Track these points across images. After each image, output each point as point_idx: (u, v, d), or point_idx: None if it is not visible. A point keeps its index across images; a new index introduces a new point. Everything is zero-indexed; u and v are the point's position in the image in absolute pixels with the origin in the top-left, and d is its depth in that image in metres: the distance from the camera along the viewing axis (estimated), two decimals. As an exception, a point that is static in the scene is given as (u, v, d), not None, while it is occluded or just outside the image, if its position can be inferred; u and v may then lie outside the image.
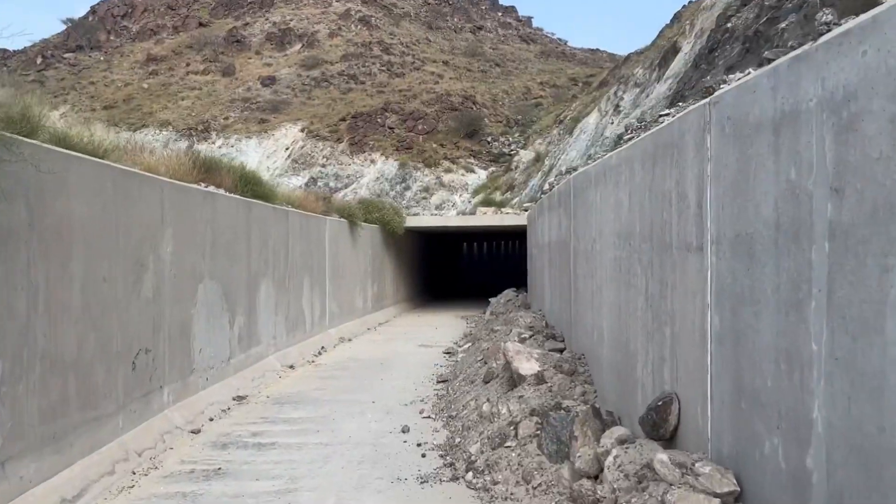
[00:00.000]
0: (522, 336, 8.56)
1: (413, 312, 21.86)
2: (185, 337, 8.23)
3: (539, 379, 6.74)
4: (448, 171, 51.17)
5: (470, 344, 12.84)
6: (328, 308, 14.84)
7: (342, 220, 16.02)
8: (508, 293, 18.59)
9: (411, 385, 10.24)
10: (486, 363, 9.31)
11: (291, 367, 11.66)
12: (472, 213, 23.26)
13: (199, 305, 8.60)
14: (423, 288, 25.63)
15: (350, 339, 15.23)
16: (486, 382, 8.28)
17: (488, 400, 7.57)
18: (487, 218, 19.94)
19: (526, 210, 19.71)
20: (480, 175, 51.26)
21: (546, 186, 11.69)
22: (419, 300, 24.33)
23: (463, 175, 51.33)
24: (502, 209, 22.03)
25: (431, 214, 26.59)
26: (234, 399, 9.21)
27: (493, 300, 19.43)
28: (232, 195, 9.95)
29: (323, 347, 13.63)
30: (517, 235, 32.77)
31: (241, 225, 10.11)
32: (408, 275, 22.97)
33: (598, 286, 6.39)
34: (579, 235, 7.18)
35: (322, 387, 10.23)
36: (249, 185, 11.05)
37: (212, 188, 9.56)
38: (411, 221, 20.16)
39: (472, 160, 52.55)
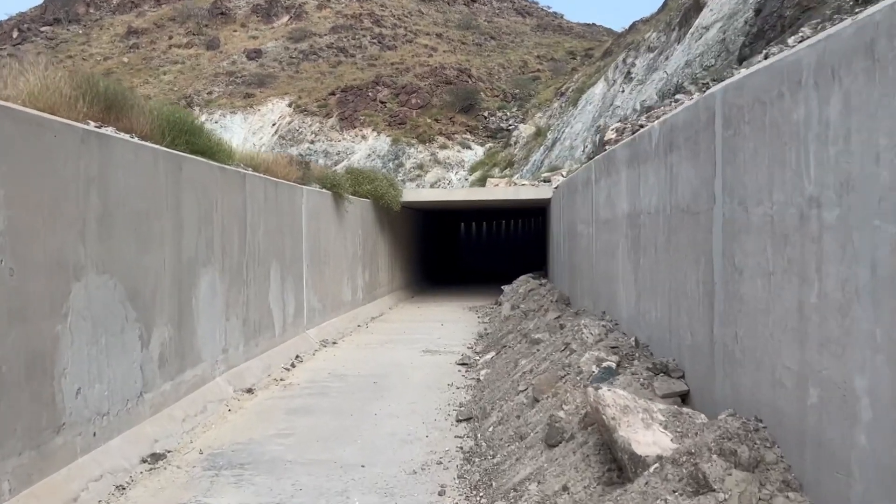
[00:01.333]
0: (605, 363, 5.13)
1: (411, 303, 18.37)
2: (39, 374, 4.72)
3: (695, 479, 3.28)
4: (443, 147, 47.52)
5: (494, 353, 9.38)
6: (307, 303, 11.34)
7: (324, 191, 12.48)
8: (527, 281, 15.14)
9: (420, 426, 6.78)
10: (536, 401, 5.86)
11: (250, 390, 8.18)
12: (482, 185, 19.67)
13: (73, 318, 5.08)
14: (421, 273, 22.14)
15: (335, 343, 11.73)
16: (552, 446, 4.83)
17: (567, 492, 4.14)
18: (500, 191, 16.38)
19: (546, 181, 16.21)
20: (477, 151, 47.63)
21: (611, 133, 8.14)
22: (417, 287, 20.84)
23: (459, 151, 47.69)
24: (515, 181, 18.52)
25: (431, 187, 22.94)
26: (145, 460, 5.73)
27: (506, 288, 16.01)
28: (145, 143, 6.41)
29: (298, 357, 10.14)
30: (528, 213, 29.23)
31: (162, 189, 6.58)
32: (404, 258, 19.47)
33: (843, 295, 2.93)
34: (746, 196, 3.75)
35: (287, 430, 6.74)
36: (183, 135, 7.50)
37: (110, 130, 6.02)
38: (409, 195, 16.62)
39: (468, 136, 48.96)
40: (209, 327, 7.64)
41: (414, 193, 16.94)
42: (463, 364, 9.65)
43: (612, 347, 5.48)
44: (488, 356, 9.33)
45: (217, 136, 8.87)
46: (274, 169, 10.81)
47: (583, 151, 31.78)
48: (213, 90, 55.36)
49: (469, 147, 47.54)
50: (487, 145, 47.56)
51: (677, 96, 8.87)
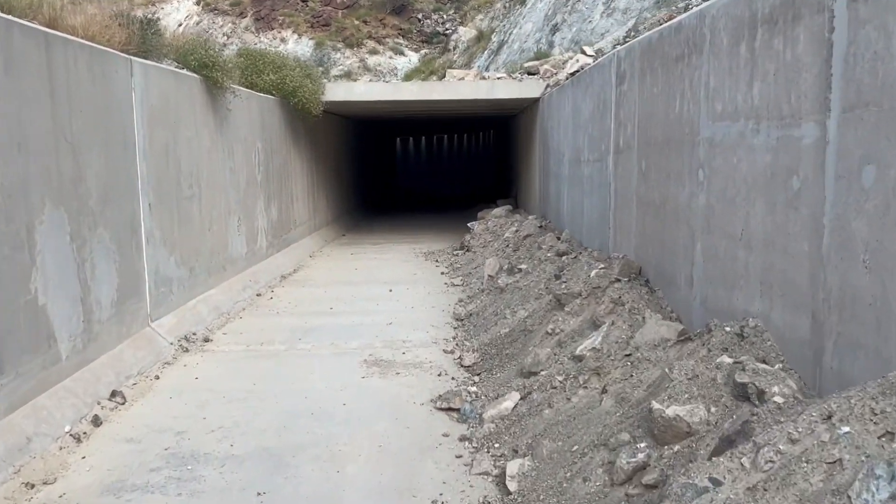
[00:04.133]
0: None
1: (342, 245, 13.06)
2: None
3: None
4: (373, 52, 41.16)
5: (517, 397, 4.36)
6: (151, 274, 6.03)
7: (186, 73, 6.96)
8: (511, 217, 10.14)
9: None
10: None
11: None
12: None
13: None
14: (354, 201, 16.75)
15: (207, 339, 6.48)
16: None
17: None
18: (468, 87, 10.92)
19: (532, 73, 10.94)
20: (412, 58, 41.49)
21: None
22: (349, 220, 15.48)
23: (391, 58, 41.43)
24: (486, 74, 13.13)
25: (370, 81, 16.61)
26: None
27: (477, 228, 11.00)
28: None
29: (115, 394, 4.89)
30: (478, 124, 23.92)
31: None
32: (332, 183, 14.05)
33: None
34: None
35: None
36: None
37: None
38: (336, 92, 11.07)
39: (400, 41, 42.62)
40: None
41: (343, 89, 11.38)
42: (448, 409, 4.64)
43: None
44: (506, 404, 4.32)
45: None
46: (69, 20, 5.30)
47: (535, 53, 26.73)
48: (107, -16, 46.83)
49: (402, 53, 41.38)
50: (423, 51, 41.52)
51: None
